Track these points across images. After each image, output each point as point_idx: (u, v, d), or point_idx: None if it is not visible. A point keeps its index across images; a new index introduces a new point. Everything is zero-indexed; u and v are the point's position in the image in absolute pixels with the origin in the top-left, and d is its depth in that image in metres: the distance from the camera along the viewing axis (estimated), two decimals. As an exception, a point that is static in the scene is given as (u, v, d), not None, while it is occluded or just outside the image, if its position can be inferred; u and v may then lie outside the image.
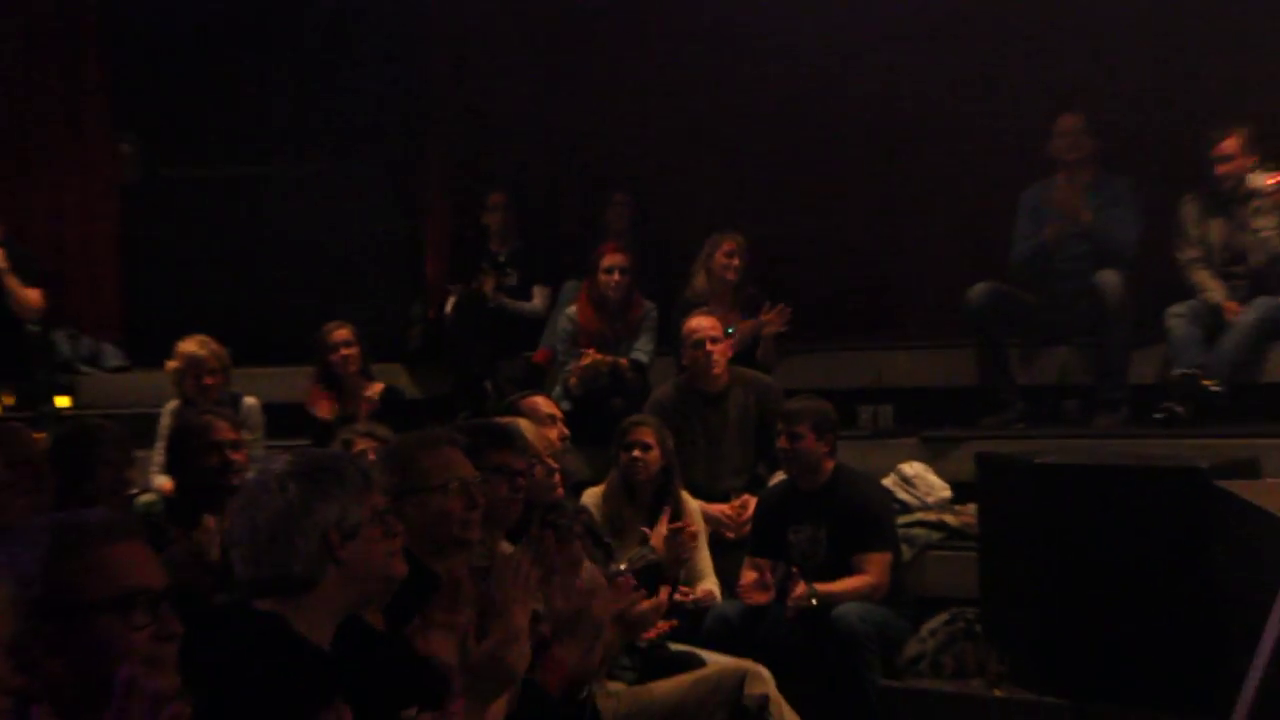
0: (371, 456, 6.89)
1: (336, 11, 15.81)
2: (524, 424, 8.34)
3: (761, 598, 9.40)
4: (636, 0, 15.61)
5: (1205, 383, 11.65)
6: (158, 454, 11.69)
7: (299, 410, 12.90)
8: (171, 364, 12.34)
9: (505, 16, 15.87)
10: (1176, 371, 11.84)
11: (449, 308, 14.40)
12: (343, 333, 12.89)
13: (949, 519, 11.15)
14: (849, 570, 9.63)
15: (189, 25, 15.84)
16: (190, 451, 8.55)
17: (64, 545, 3.91)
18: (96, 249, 16.27)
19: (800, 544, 9.68)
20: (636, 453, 10.01)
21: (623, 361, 12.76)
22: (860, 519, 9.93)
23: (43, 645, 3.75)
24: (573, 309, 13.54)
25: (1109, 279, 12.42)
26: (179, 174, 16.24)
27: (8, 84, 16.58)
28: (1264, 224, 12.12)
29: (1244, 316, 11.98)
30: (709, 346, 11.52)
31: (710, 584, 9.78)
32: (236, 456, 8.46)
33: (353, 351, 12.91)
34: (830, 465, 10.03)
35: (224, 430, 8.61)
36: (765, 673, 7.85)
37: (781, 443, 10.08)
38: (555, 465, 8.40)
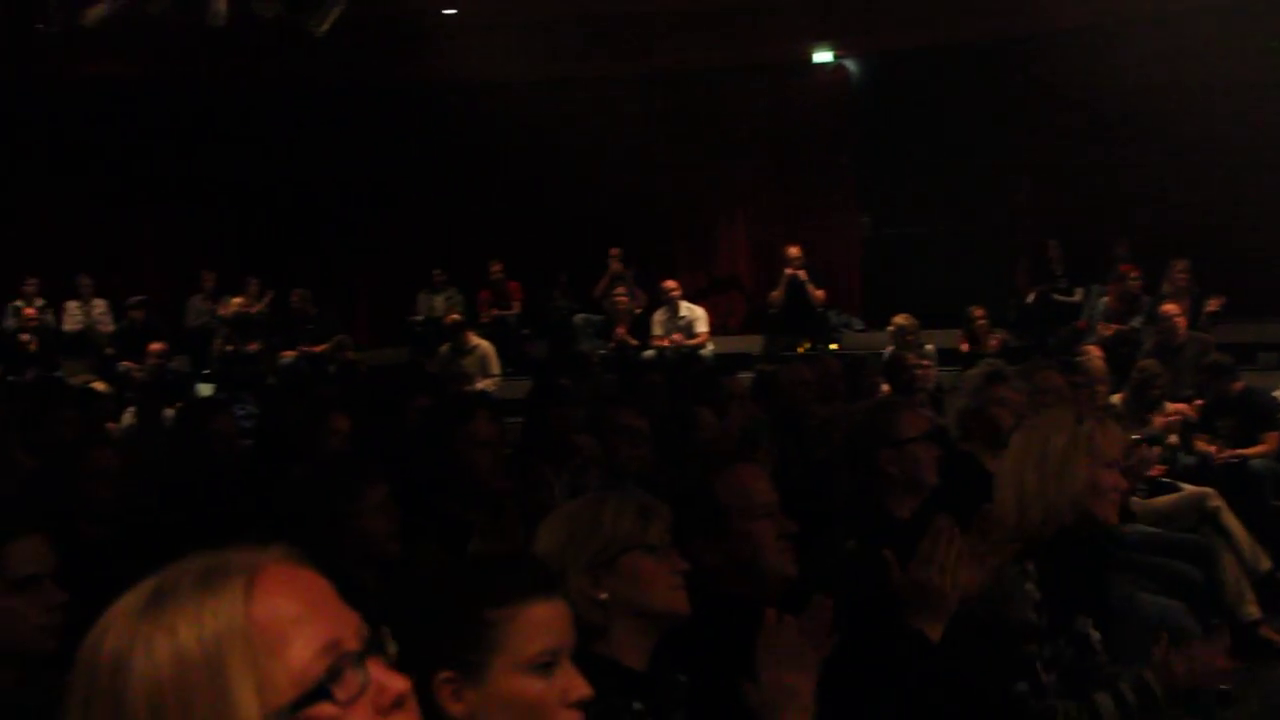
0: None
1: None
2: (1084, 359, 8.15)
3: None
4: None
5: None
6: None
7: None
8: (889, 328, 12.30)
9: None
10: None
11: (1029, 299, 14.03)
12: (979, 311, 12.80)
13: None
14: (1254, 442, 9.08)
15: (894, 149, 15.67)
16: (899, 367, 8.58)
17: None
18: (849, 270, 16.02)
19: (1224, 426, 9.15)
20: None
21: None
22: (1259, 413, 9.33)
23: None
24: (1104, 299, 13.00)
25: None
26: (892, 232, 15.92)
27: (800, 189, 16.35)
28: None
29: None
30: (1175, 319, 11.04)
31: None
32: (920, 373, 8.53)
33: (984, 321, 12.79)
34: (1239, 385, 9.46)
35: (912, 359, 8.67)
36: (1215, 494, 7.47)
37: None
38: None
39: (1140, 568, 5.50)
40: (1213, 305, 12.10)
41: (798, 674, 2.61)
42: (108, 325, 15.20)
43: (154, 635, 1.28)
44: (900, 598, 3.13)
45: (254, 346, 14.45)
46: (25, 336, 14.06)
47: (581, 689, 2.03)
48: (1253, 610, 6.97)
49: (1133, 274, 12.79)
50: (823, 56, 16.11)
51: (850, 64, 16.24)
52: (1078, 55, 14.29)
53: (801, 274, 14.32)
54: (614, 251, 15.31)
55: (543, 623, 2.05)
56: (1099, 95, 14.27)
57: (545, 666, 2.03)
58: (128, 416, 9.66)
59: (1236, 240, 13.25)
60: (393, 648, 1.38)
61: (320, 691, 1.29)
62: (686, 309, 14.38)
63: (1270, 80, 13.03)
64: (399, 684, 1.35)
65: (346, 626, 1.34)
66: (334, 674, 1.30)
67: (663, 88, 16.37)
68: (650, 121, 16.30)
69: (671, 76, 16.27)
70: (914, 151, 15.41)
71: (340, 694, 1.30)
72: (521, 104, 16.02)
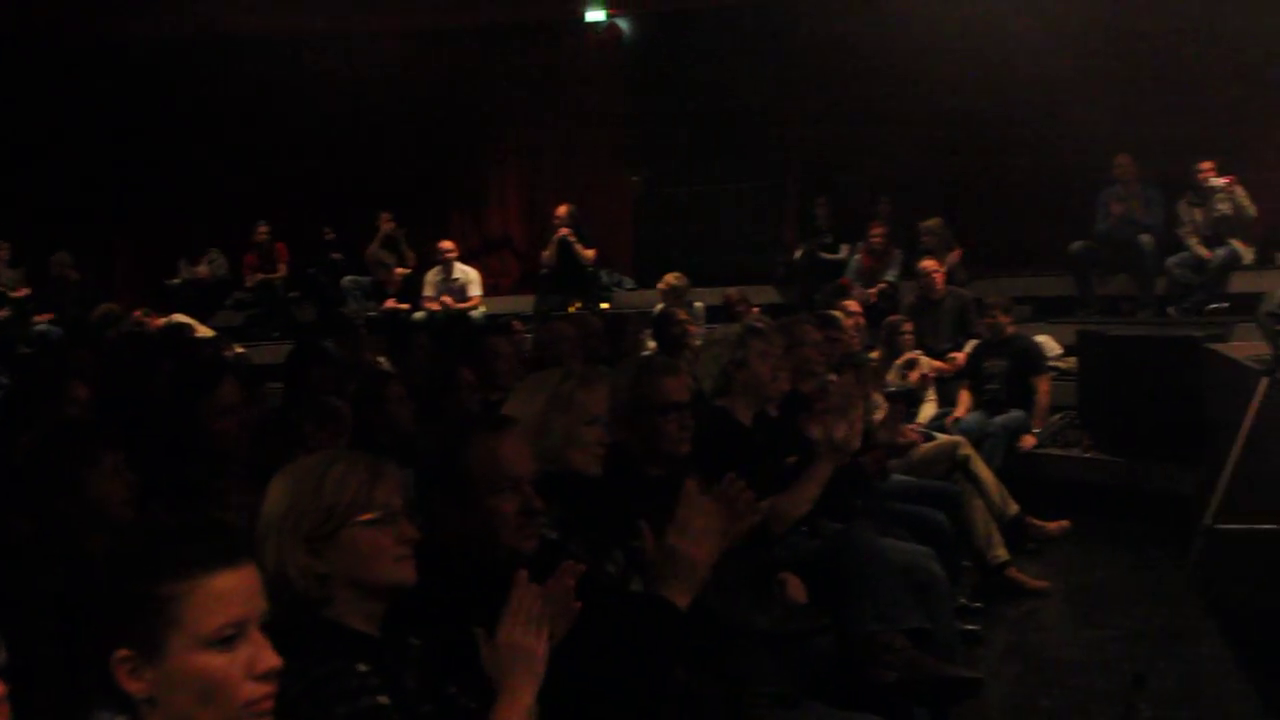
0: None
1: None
2: (838, 313, 8.31)
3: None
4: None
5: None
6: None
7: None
8: (661, 286, 12.34)
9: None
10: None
11: (798, 255, 14.17)
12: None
13: (1060, 365, 10.80)
14: (1024, 389, 9.64)
15: (665, 109, 15.74)
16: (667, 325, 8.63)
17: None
18: (621, 229, 16.01)
19: (990, 368, 9.54)
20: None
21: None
22: (1028, 356, 9.87)
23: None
24: (857, 258, 13.28)
25: (1146, 240, 12.00)
26: (664, 191, 15.91)
27: (571, 149, 16.28)
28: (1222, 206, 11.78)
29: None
30: (933, 274, 11.34)
31: (932, 407, 9.68)
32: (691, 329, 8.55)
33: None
34: (1012, 329, 9.96)
35: (683, 316, 8.70)
36: (966, 442, 7.74)
37: (986, 320, 10.06)
38: (855, 336, 8.43)
39: (891, 515, 5.63)
40: (953, 257, 12.43)
41: (534, 637, 2.56)
42: None
43: None
44: (651, 565, 3.11)
45: (3, 313, 13.83)
46: None
47: (269, 659, 1.95)
48: (1001, 553, 7.28)
49: (875, 231, 13.09)
50: (595, 15, 16.08)
51: (623, 23, 16.24)
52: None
53: (569, 234, 14.25)
54: (385, 215, 15.01)
55: (223, 595, 1.94)
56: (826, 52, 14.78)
57: (227, 640, 1.93)
58: None
59: (990, 196, 13.82)
60: (3, 654, 1.33)
61: None
62: (460, 270, 14.23)
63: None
64: None
65: None
66: None
67: (433, 46, 16.18)
68: (421, 80, 16.12)
69: (441, 34, 16.08)
70: (686, 111, 15.54)
71: None
72: (288, 61, 15.72)
